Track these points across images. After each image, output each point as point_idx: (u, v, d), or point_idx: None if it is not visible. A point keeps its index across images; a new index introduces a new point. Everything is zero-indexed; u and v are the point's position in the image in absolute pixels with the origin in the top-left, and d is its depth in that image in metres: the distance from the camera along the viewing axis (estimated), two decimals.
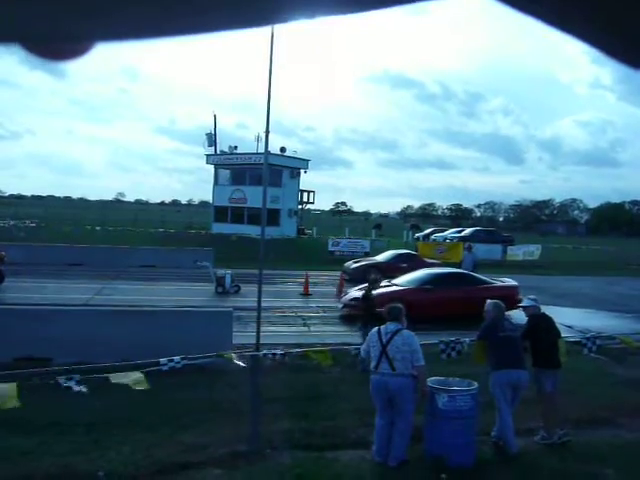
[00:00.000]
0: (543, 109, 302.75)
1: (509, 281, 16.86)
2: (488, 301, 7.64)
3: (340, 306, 15.46)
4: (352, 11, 0.33)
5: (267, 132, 6.55)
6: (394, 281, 16.26)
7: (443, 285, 15.28)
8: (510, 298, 15.59)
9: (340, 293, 17.45)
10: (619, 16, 0.31)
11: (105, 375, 6.08)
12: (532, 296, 7.96)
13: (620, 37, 0.32)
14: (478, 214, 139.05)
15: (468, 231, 44.00)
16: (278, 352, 6.62)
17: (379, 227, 56.68)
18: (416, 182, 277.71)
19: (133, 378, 5.83)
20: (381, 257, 23.58)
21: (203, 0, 0.31)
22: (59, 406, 7.18)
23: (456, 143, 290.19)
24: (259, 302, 6.67)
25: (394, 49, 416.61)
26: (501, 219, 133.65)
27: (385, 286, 16.00)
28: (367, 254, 30.04)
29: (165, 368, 6.04)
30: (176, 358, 6.07)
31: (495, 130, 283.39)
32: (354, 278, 19.66)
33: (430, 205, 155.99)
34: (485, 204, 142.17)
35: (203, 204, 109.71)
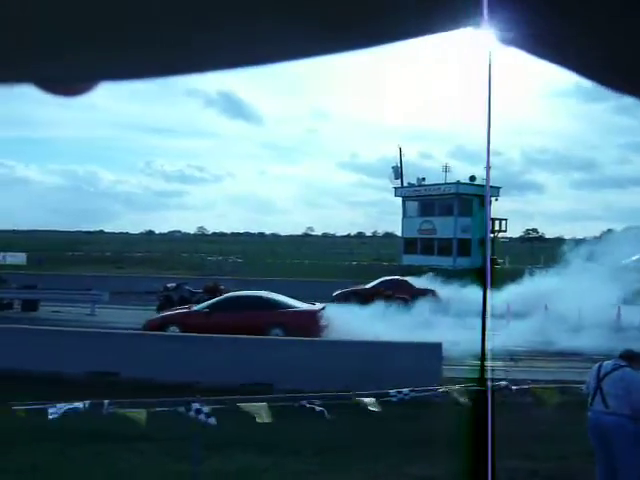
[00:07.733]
0: None
1: (316, 306, 15.13)
2: None
3: None
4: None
5: (488, 169, 6.57)
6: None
7: (226, 309, 14.31)
8: (305, 325, 13.61)
9: None
10: (615, 47, 0.32)
11: (336, 400, 6.47)
12: None
13: (618, 67, 0.34)
14: None
15: None
16: (504, 385, 6.47)
17: None
18: (616, 203, 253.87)
19: (367, 402, 6.12)
20: (369, 284, 22.75)
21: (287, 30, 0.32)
22: (287, 428, 7.71)
23: None
24: (483, 335, 6.60)
25: None
26: None
27: (178, 309, 15.98)
28: None
29: (394, 399, 6.25)
30: (404, 390, 6.26)
31: None
32: None
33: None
34: None
35: (387, 235, 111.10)
